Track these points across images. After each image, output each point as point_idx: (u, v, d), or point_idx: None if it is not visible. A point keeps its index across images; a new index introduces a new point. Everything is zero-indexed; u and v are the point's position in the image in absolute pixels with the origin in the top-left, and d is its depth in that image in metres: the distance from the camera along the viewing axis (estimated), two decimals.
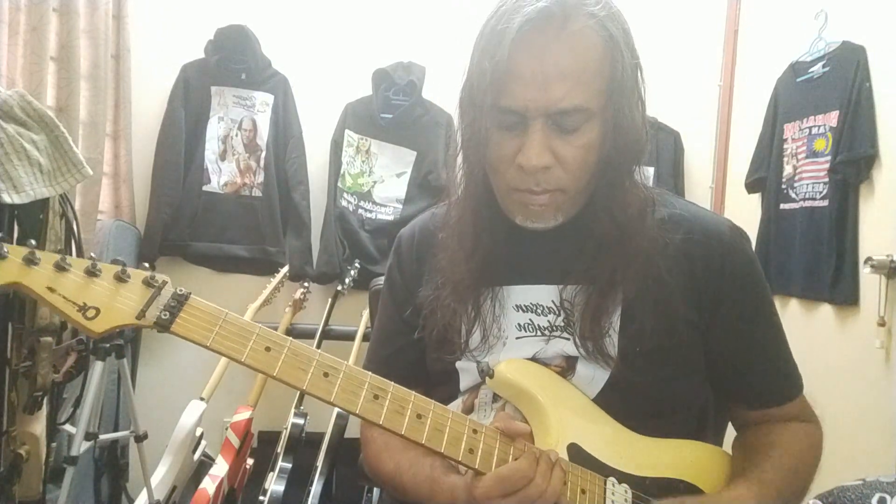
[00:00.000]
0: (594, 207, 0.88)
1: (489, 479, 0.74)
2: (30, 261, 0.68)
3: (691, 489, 0.86)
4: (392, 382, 0.77)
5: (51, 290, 0.68)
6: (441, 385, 0.97)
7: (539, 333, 0.90)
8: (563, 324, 0.90)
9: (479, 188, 0.90)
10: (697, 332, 0.90)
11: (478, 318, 0.92)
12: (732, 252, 0.91)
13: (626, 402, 0.87)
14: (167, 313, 0.71)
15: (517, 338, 0.91)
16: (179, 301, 0.72)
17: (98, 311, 0.69)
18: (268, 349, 0.73)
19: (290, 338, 0.74)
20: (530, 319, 0.91)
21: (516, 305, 0.92)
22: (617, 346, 0.87)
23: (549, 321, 0.90)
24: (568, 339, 0.89)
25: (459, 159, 0.92)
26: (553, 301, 0.91)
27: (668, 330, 0.87)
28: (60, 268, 0.69)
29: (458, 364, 0.94)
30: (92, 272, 0.70)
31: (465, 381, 0.94)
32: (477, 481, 0.75)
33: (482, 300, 0.92)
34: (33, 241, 0.70)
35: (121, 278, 0.72)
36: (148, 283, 0.73)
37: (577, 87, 0.79)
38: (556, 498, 0.74)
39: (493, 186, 0.90)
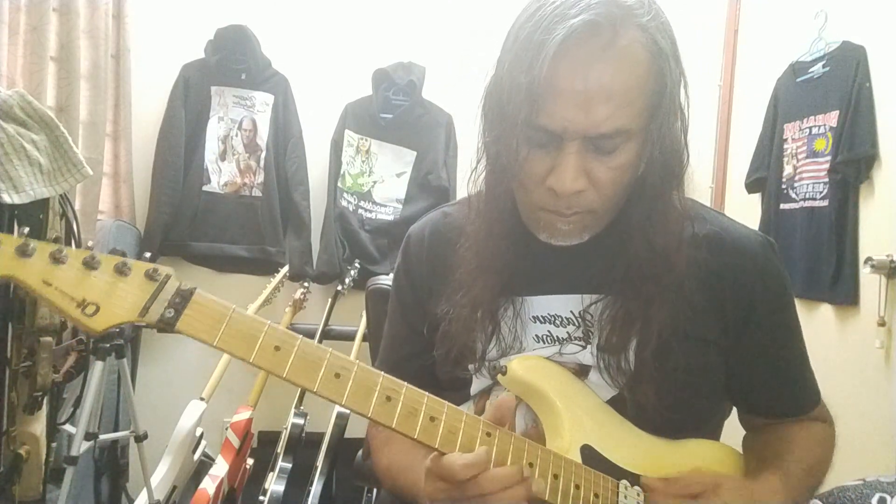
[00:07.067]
0: (628, 227, 0.84)
1: (439, 460, 0.70)
2: (23, 252, 0.61)
3: None
4: (405, 383, 0.73)
5: (46, 283, 0.62)
6: (452, 390, 0.94)
7: (556, 344, 0.88)
8: (581, 335, 0.87)
9: (502, 201, 0.87)
10: (720, 353, 0.88)
11: (496, 333, 0.88)
12: (764, 274, 0.88)
13: (634, 417, 0.85)
14: (172, 310, 0.65)
15: (534, 350, 0.88)
16: (184, 297, 0.66)
17: (98, 307, 0.63)
18: (277, 348, 0.68)
19: (301, 336, 0.69)
20: (549, 331, 0.88)
21: (534, 317, 0.89)
22: (633, 363, 0.84)
23: (568, 332, 0.87)
24: (585, 348, 0.86)
25: (480, 167, 0.88)
26: (572, 311, 0.88)
27: (690, 350, 0.85)
28: (56, 259, 0.63)
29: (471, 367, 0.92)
30: (90, 264, 0.64)
31: (477, 385, 0.92)
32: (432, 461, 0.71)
33: (500, 313, 0.88)
34: (26, 229, 0.64)
35: (121, 271, 0.65)
36: (150, 276, 0.66)
37: (622, 109, 0.73)
38: None
39: (517, 201, 0.86)
